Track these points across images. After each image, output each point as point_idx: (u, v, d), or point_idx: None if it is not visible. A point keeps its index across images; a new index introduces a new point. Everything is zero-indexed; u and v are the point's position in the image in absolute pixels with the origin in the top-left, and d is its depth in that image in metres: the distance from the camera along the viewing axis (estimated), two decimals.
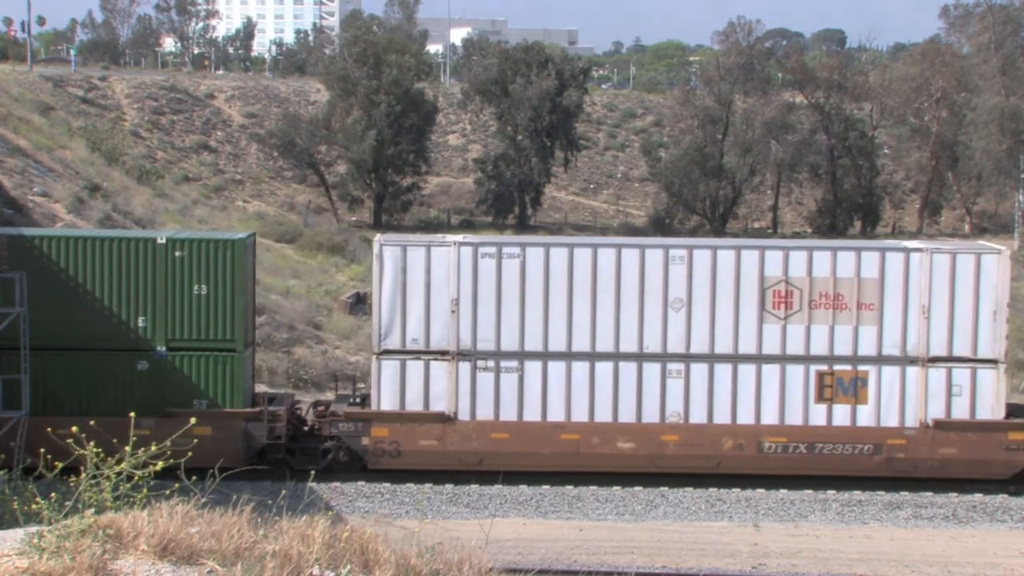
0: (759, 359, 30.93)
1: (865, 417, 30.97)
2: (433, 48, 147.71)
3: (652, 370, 30.87)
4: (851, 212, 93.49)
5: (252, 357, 32.57)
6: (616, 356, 30.89)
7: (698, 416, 30.97)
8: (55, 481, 11.02)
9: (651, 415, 30.92)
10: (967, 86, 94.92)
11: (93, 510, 10.06)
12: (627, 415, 30.84)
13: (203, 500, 10.65)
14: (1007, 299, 30.89)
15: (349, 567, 9.40)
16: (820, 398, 30.97)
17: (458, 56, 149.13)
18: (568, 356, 30.93)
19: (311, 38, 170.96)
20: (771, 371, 30.89)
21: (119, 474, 10.48)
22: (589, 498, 30.45)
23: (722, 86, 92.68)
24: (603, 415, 30.91)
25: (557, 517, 29.34)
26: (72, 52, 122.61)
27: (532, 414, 30.83)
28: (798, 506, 30.33)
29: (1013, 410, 32.40)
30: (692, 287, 30.81)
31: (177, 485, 11.16)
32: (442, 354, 30.86)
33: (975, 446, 30.95)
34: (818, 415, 30.95)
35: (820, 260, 30.87)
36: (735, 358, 30.93)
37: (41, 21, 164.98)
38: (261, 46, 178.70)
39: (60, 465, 11.16)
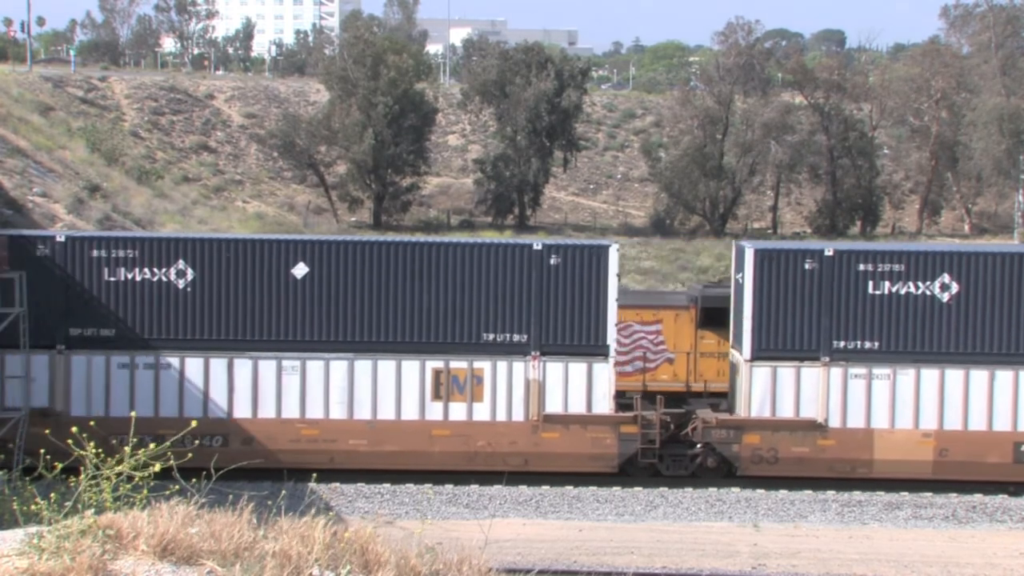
0: None
1: None
2: (433, 49, 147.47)
3: None
4: (851, 212, 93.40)
5: None
6: None
7: None
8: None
9: None
10: (967, 86, 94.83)
11: (92, 510, 10.06)
12: None
13: (203, 500, 10.63)
14: None
15: (349, 567, 9.39)
16: None
17: (458, 57, 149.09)
18: None
19: (311, 38, 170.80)
20: None
21: None
22: (589, 498, 30.42)
23: (722, 86, 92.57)
24: None
25: (557, 518, 29.31)
26: (72, 52, 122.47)
27: None
28: (798, 506, 30.31)
29: None
30: None
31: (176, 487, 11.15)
32: None
33: None
34: None
35: None
36: None
37: (41, 21, 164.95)
38: (260, 46, 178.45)
39: None
